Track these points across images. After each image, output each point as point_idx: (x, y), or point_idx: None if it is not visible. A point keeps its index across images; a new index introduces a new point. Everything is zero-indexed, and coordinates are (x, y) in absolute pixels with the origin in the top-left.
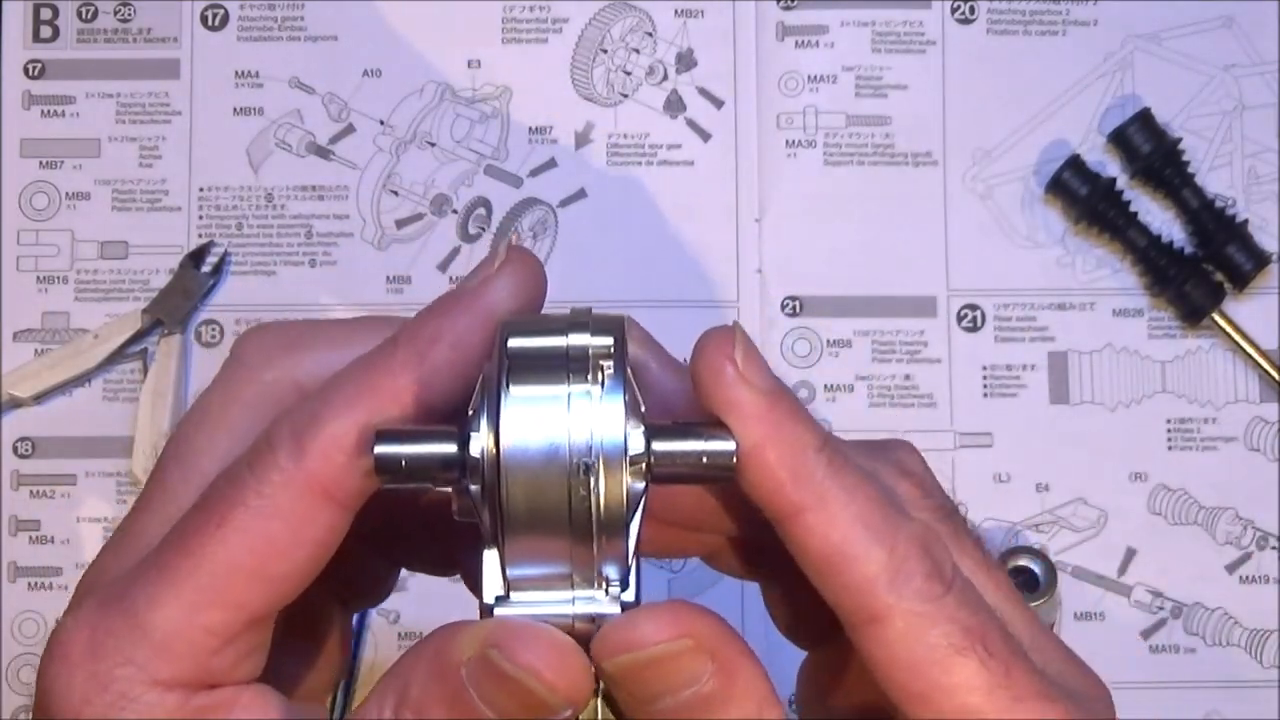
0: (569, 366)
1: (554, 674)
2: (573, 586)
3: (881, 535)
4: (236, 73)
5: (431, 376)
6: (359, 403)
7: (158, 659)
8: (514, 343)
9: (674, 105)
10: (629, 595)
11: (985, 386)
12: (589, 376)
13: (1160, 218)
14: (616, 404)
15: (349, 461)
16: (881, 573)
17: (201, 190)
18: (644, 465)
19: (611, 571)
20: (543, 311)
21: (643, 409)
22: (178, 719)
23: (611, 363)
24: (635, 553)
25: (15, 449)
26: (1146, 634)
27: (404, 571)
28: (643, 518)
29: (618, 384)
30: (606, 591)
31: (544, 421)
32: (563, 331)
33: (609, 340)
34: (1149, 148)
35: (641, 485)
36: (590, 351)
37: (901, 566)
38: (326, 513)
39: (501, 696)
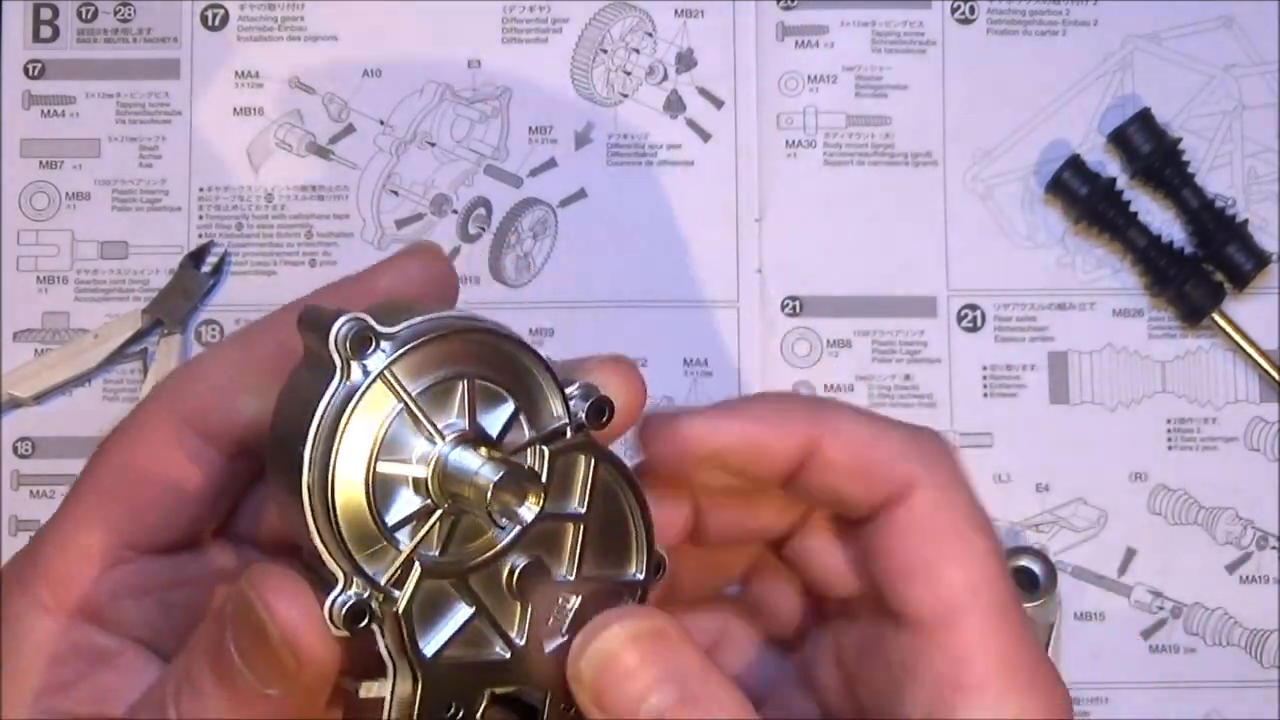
0: (336, 356)
1: (274, 602)
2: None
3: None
4: (236, 73)
5: (295, 341)
6: (235, 353)
7: (41, 582)
8: (303, 332)
9: (674, 105)
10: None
11: (985, 386)
12: (340, 372)
13: (1160, 218)
14: (323, 410)
15: (220, 398)
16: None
17: (201, 190)
18: (422, 476)
19: (329, 561)
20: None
21: (449, 422)
22: (57, 649)
23: (357, 355)
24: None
25: (15, 449)
26: (1146, 634)
27: None
28: (421, 533)
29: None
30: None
31: (298, 404)
32: (325, 327)
33: (344, 330)
34: (1149, 148)
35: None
36: (334, 348)
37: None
38: (190, 447)
39: (238, 629)
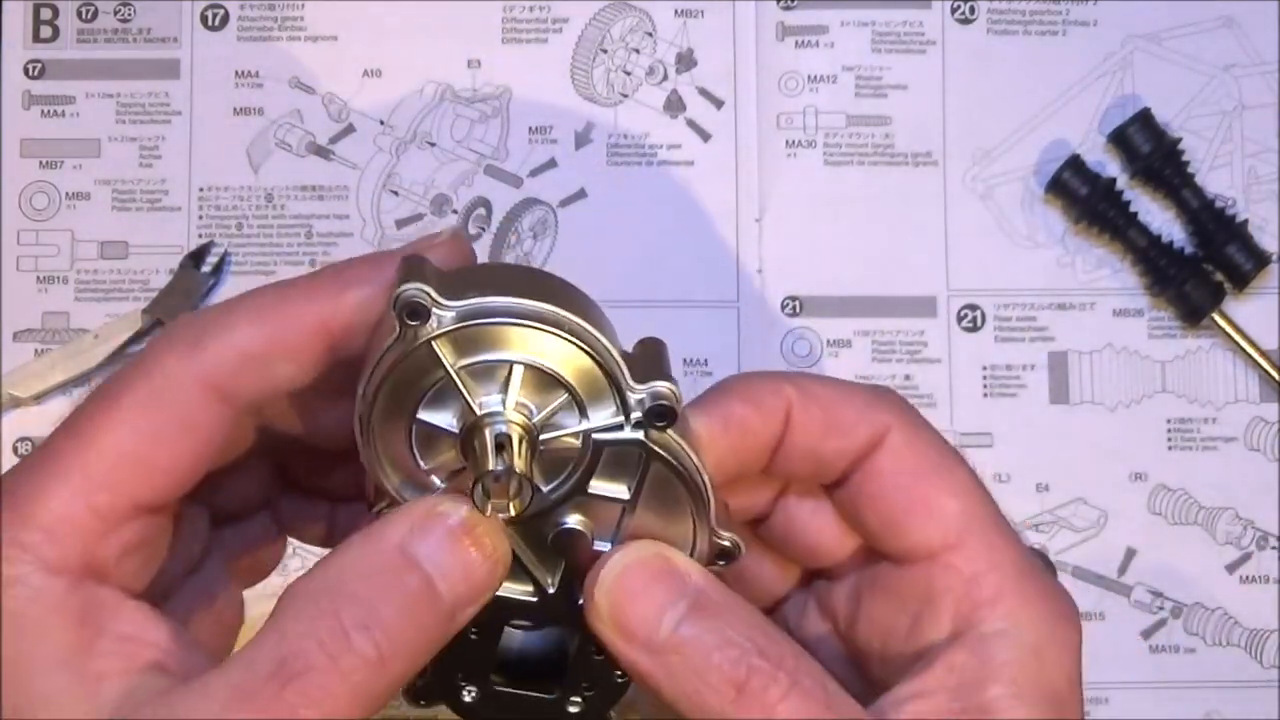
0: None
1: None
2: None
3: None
4: (236, 73)
5: (342, 313)
6: (265, 320)
7: (46, 542)
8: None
9: (674, 105)
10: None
11: (985, 386)
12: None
13: (1160, 218)
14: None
15: (249, 366)
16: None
17: (201, 190)
18: (449, 436)
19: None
20: None
21: (495, 396)
22: (67, 607)
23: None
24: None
25: (15, 449)
26: (1146, 634)
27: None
28: (449, 482)
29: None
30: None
31: (375, 342)
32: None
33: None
34: (1149, 148)
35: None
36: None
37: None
38: (215, 410)
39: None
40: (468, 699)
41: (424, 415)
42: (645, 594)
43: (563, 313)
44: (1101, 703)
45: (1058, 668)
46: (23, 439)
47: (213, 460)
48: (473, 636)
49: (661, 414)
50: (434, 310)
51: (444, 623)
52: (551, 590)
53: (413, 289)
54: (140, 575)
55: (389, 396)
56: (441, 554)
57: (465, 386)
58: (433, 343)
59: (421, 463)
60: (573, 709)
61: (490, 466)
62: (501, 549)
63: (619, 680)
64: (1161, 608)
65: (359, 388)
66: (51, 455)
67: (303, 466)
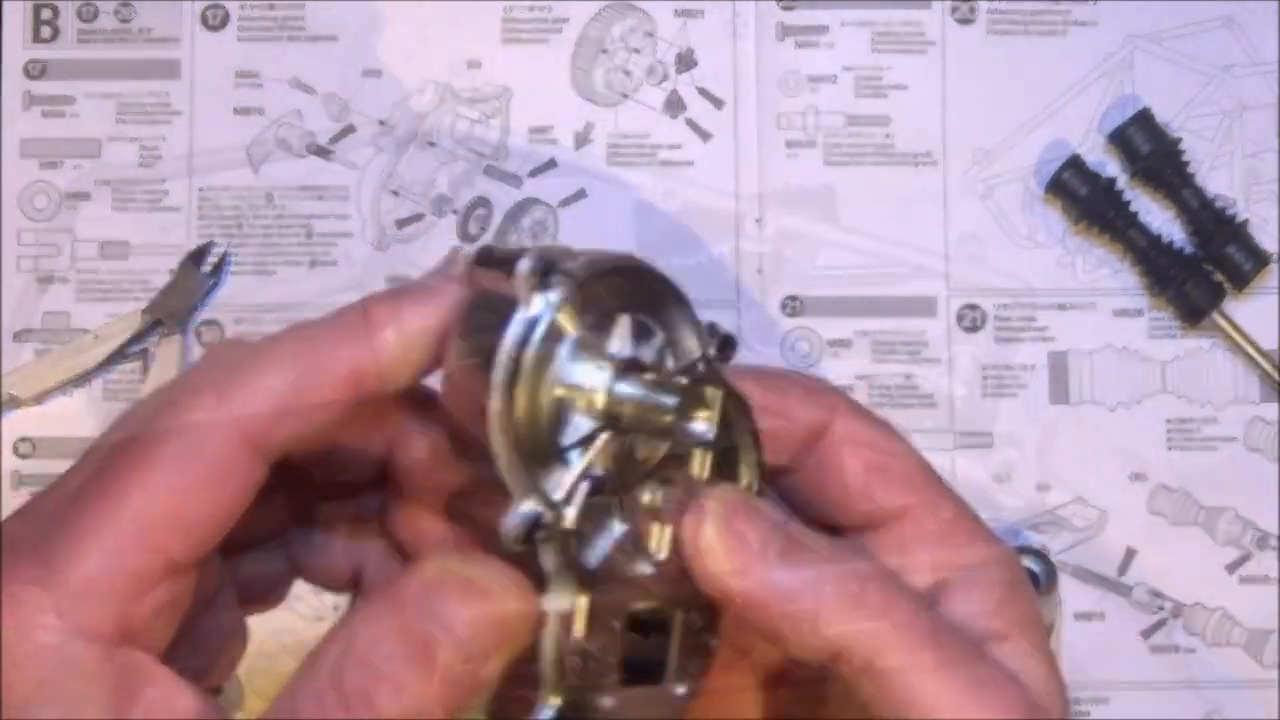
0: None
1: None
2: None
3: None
4: (236, 73)
5: (371, 356)
6: (295, 368)
7: (80, 607)
8: (481, 270)
9: (674, 105)
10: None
11: (985, 386)
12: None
13: (1160, 218)
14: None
15: (278, 417)
16: None
17: (201, 190)
18: (596, 401)
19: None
20: None
21: (614, 351)
22: (104, 675)
23: (537, 295)
24: (575, 479)
25: (15, 449)
26: (1146, 634)
27: None
28: (591, 453)
29: (537, 312)
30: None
31: (480, 337)
32: (510, 263)
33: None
34: (1149, 148)
35: (589, 420)
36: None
37: None
38: (247, 460)
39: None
40: (607, 703)
41: (559, 390)
42: (749, 529)
43: (644, 260)
44: (1101, 702)
45: (1030, 599)
46: (23, 439)
47: (242, 509)
48: (592, 651)
49: (728, 343)
50: (558, 274)
51: (459, 687)
52: (662, 556)
53: (535, 256)
54: (167, 633)
55: (523, 379)
56: (450, 614)
57: (596, 344)
58: (565, 304)
59: (561, 441)
60: (680, 689)
61: (672, 402)
62: (515, 605)
63: (711, 645)
64: (1161, 608)
65: (494, 378)
66: (82, 513)
67: (317, 499)
